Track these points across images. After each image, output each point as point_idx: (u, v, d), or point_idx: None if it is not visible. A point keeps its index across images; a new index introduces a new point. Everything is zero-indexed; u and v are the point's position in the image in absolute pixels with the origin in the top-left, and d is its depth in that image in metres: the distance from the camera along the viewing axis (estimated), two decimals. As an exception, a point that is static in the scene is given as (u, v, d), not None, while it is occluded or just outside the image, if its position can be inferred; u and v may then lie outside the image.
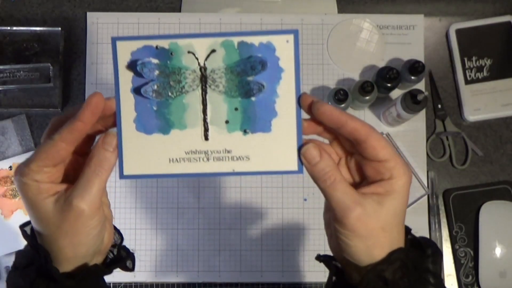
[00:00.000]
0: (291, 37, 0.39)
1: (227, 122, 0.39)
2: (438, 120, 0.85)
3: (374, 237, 0.37)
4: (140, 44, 0.39)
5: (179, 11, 0.88)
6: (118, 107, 0.39)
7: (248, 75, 0.39)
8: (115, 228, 0.46)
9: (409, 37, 0.87)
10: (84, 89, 0.86)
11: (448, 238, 0.83)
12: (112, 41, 0.39)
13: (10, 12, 0.88)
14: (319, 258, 0.46)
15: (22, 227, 0.42)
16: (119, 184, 0.83)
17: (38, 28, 0.85)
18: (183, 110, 0.39)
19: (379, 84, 0.80)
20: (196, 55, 0.39)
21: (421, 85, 0.84)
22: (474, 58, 0.86)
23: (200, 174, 0.40)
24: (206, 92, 0.39)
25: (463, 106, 0.85)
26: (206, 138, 0.39)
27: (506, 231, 0.81)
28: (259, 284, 0.82)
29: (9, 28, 0.85)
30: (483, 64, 0.85)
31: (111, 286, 0.82)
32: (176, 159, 0.40)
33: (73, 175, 0.40)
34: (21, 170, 0.38)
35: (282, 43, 0.39)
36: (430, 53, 0.87)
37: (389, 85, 0.79)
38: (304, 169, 0.39)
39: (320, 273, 0.81)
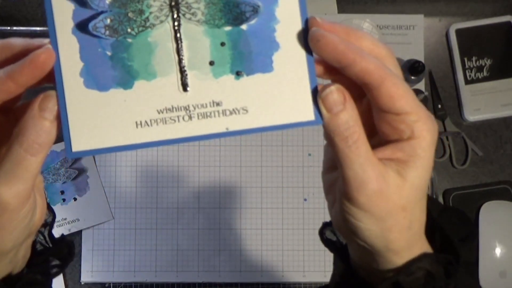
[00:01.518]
0: None
1: (211, 63, 0.29)
2: (438, 120, 0.85)
3: (393, 219, 0.29)
4: None
5: (179, 11, 0.88)
6: (56, 56, 0.28)
7: None
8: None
9: (409, 37, 0.87)
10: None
11: (448, 238, 0.83)
12: None
13: (10, 12, 0.87)
14: (323, 236, 0.37)
15: None
16: (119, 184, 0.83)
17: (38, 28, 0.85)
18: (149, 52, 0.29)
19: (379, 84, 0.80)
20: None
21: (421, 85, 0.84)
22: (474, 58, 0.86)
23: (181, 139, 0.29)
24: (179, 24, 0.29)
25: (463, 106, 0.85)
26: (185, 89, 0.29)
27: (506, 231, 0.81)
28: (259, 284, 0.82)
29: (9, 28, 0.85)
30: (483, 64, 0.85)
31: (111, 286, 0.82)
32: (146, 122, 0.29)
33: None
34: None
35: None
36: (430, 53, 0.87)
37: (389, 85, 0.79)
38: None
39: (320, 273, 0.81)
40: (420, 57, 0.85)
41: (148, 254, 0.82)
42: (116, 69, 0.28)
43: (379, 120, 0.29)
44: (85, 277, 0.81)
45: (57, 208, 0.80)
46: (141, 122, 0.29)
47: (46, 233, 0.36)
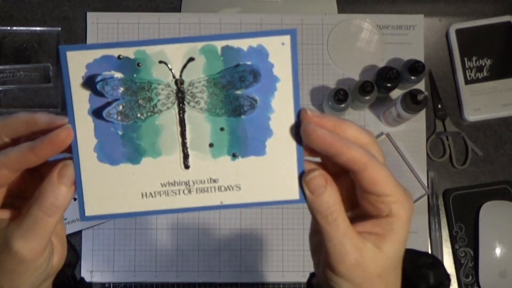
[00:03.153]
0: (287, 39, 0.32)
1: (211, 145, 0.33)
2: (438, 120, 0.85)
3: (370, 285, 0.32)
4: (97, 54, 0.31)
5: (179, 11, 0.88)
6: (74, 133, 0.32)
7: (236, 88, 0.32)
8: (70, 244, 0.39)
9: (409, 37, 0.87)
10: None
11: (448, 238, 0.83)
12: (60, 51, 0.31)
13: (10, 12, 0.88)
14: (310, 284, 0.41)
15: None
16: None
17: (38, 28, 0.85)
18: (156, 133, 0.32)
19: (379, 84, 0.80)
20: (169, 66, 0.32)
21: (421, 85, 0.84)
22: (474, 58, 0.86)
23: (181, 210, 0.33)
24: (184, 111, 0.32)
25: (463, 106, 0.85)
26: (186, 166, 0.33)
27: (506, 231, 0.81)
28: (259, 284, 0.82)
29: (9, 28, 0.85)
30: (483, 64, 0.85)
31: (111, 286, 0.82)
32: (151, 193, 0.33)
33: (17, 191, 0.33)
34: None
35: (277, 46, 0.32)
36: (430, 53, 0.87)
37: (389, 85, 0.79)
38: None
39: (320, 273, 0.81)
40: (420, 57, 0.85)
41: (148, 254, 0.82)
42: (126, 146, 0.32)
43: (361, 198, 0.33)
44: (85, 277, 0.81)
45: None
46: (146, 193, 0.33)
47: (69, 273, 0.40)
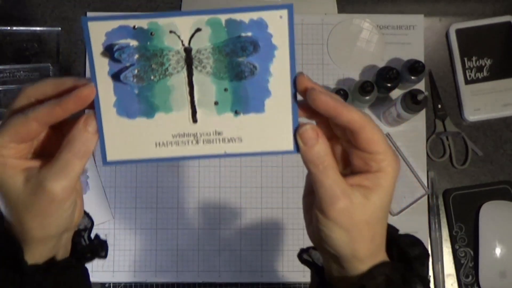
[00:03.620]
0: (285, 13, 0.36)
1: (216, 103, 0.37)
2: (438, 120, 0.85)
3: (358, 230, 0.36)
4: (115, 24, 0.35)
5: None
6: (96, 91, 0.36)
7: (238, 56, 0.36)
8: (85, 212, 0.44)
9: (409, 37, 0.87)
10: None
11: (448, 238, 0.83)
12: (82, 22, 0.35)
13: (10, 12, 0.88)
14: (302, 257, 0.44)
15: None
16: (119, 184, 0.83)
17: (38, 28, 0.85)
18: (168, 92, 0.37)
19: (379, 84, 0.80)
20: (179, 35, 0.36)
21: (421, 85, 0.84)
22: (474, 58, 0.86)
23: (189, 157, 0.37)
24: (192, 74, 0.36)
25: (463, 106, 0.85)
26: (195, 121, 0.37)
27: (506, 231, 0.81)
28: (259, 284, 0.82)
29: (9, 28, 0.85)
30: (483, 64, 0.85)
31: (111, 286, 0.82)
32: (163, 143, 0.37)
33: (42, 148, 0.37)
34: None
35: (275, 19, 0.36)
36: (430, 53, 0.87)
37: (389, 85, 0.79)
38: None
39: (320, 273, 0.81)
40: (420, 57, 0.85)
41: (148, 254, 0.82)
42: (142, 103, 0.37)
43: (354, 155, 0.37)
44: (85, 277, 0.81)
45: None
46: (159, 142, 0.37)
47: (86, 236, 0.44)
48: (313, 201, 0.38)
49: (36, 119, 0.34)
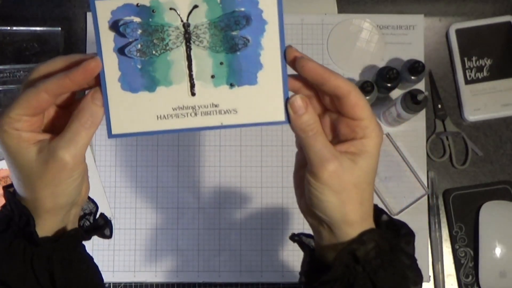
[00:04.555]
0: None
1: (213, 76, 0.39)
2: (438, 120, 0.85)
3: (347, 192, 0.38)
4: (120, 2, 0.38)
5: (179, 11, 0.88)
6: (102, 66, 0.39)
7: (232, 30, 0.39)
8: (89, 198, 0.46)
9: (409, 37, 0.87)
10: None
11: (448, 238, 0.83)
12: (90, 1, 0.37)
13: (10, 12, 0.88)
14: (293, 237, 0.46)
15: (7, 187, 0.41)
16: (119, 184, 0.83)
17: (38, 28, 0.85)
18: (168, 67, 0.39)
19: (379, 84, 0.80)
20: (178, 12, 0.38)
21: (421, 85, 0.84)
22: (474, 58, 0.86)
23: (188, 129, 0.40)
24: (190, 48, 0.39)
25: (463, 106, 0.85)
26: (193, 94, 0.39)
27: (506, 231, 0.81)
28: (259, 284, 0.82)
29: (9, 28, 0.85)
30: (483, 64, 0.85)
31: (111, 286, 0.82)
32: (164, 116, 0.39)
33: (52, 126, 0.40)
34: (0, 120, 0.37)
35: None
36: (430, 53, 0.87)
37: (389, 85, 0.79)
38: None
39: (320, 273, 0.81)
40: (420, 57, 0.85)
41: (148, 254, 0.82)
42: (144, 77, 0.39)
43: (340, 123, 0.39)
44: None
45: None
46: (160, 115, 0.39)
47: (91, 219, 0.47)
48: (303, 176, 0.40)
49: (46, 90, 0.36)
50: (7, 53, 0.85)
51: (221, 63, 0.39)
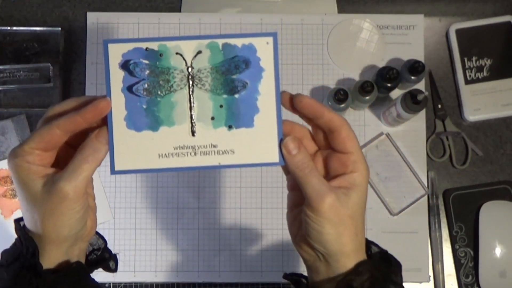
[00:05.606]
0: (270, 39, 0.42)
1: (212, 118, 0.42)
2: (438, 120, 0.85)
3: (344, 224, 0.40)
4: (130, 46, 0.41)
5: (179, 11, 0.88)
6: (111, 107, 0.41)
7: (232, 74, 0.41)
8: (99, 234, 0.49)
9: (409, 37, 0.87)
10: (84, 89, 0.85)
11: (448, 238, 0.83)
12: (104, 44, 0.41)
13: (10, 12, 0.88)
14: (287, 277, 0.48)
15: (18, 221, 0.43)
16: (119, 184, 0.83)
17: (38, 28, 0.85)
18: (172, 108, 0.41)
19: (379, 84, 0.80)
20: (183, 56, 0.41)
21: (421, 85, 0.84)
22: (474, 58, 0.86)
23: (188, 168, 0.42)
24: (193, 91, 0.42)
25: (463, 106, 0.85)
26: (193, 134, 0.42)
27: (506, 231, 0.81)
28: (259, 284, 0.82)
29: (9, 28, 0.85)
30: (483, 64, 0.85)
31: (111, 286, 0.82)
32: (165, 154, 0.41)
33: (63, 163, 0.41)
34: (14, 152, 0.40)
35: (263, 44, 0.41)
36: (430, 53, 0.87)
37: (389, 85, 0.79)
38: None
39: (320, 273, 0.81)
40: (420, 57, 0.85)
41: (148, 254, 0.82)
42: (148, 117, 0.41)
43: (331, 159, 0.42)
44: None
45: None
46: (162, 154, 0.42)
47: (98, 254, 0.48)
48: (296, 215, 0.43)
49: (59, 126, 0.39)
50: (7, 53, 0.85)
51: (221, 106, 0.42)
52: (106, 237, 0.51)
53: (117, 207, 0.83)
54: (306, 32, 0.87)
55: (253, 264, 0.82)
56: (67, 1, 0.88)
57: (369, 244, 0.44)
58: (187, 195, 0.84)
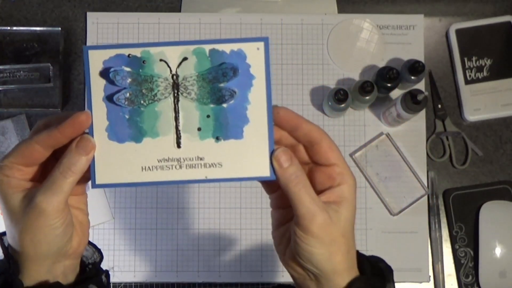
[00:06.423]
0: (261, 45, 0.39)
1: (199, 129, 0.39)
2: (438, 120, 0.85)
3: (336, 244, 0.38)
4: (112, 52, 0.39)
5: (179, 11, 0.88)
6: (91, 121, 0.39)
7: (220, 82, 0.39)
8: (95, 247, 0.47)
9: (409, 37, 0.87)
10: (84, 89, 0.86)
11: (448, 238, 0.83)
12: (84, 50, 0.39)
13: (10, 12, 0.88)
14: None
15: (0, 235, 0.42)
16: (119, 184, 0.83)
17: (38, 28, 0.85)
18: (156, 118, 0.39)
19: (379, 84, 0.80)
20: (168, 63, 0.39)
21: (421, 85, 0.84)
22: (474, 58, 0.86)
23: (172, 182, 0.39)
24: (178, 100, 0.39)
25: (463, 106, 0.85)
26: (179, 146, 0.39)
27: (506, 231, 0.81)
28: (259, 284, 0.82)
29: (9, 28, 0.85)
30: (483, 64, 0.85)
31: (111, 286, 0.82)
32: (149, 167, 0.39)
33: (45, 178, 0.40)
34: None
35: (253, 50, 0.39)
36: (430, 53, 0.87)
37: (389, 85, 0.79)
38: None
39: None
40: (420, 57, 0.85)
41: (148, 254, 0.82)
42: (131, 128, 0.39)
43: (317, 173, 0.40)
44: (85, 277, 0.81)
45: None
46: (145, 167, 0.39)
47: (93, 270, 0.46)
48: (283, 233, 0.42)
49: (38, 142, 0.38)
50: (7, 53, 0.85)
51: (208, 116, 0.39)
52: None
53: (117, 207, 0.83)
54: (306, 32, 0.87)
55: (253, 264, 0.82)
56: (67, 1, 0.88)
57: (360, 257, 0.42)
58: (187, 195, 0.84)
